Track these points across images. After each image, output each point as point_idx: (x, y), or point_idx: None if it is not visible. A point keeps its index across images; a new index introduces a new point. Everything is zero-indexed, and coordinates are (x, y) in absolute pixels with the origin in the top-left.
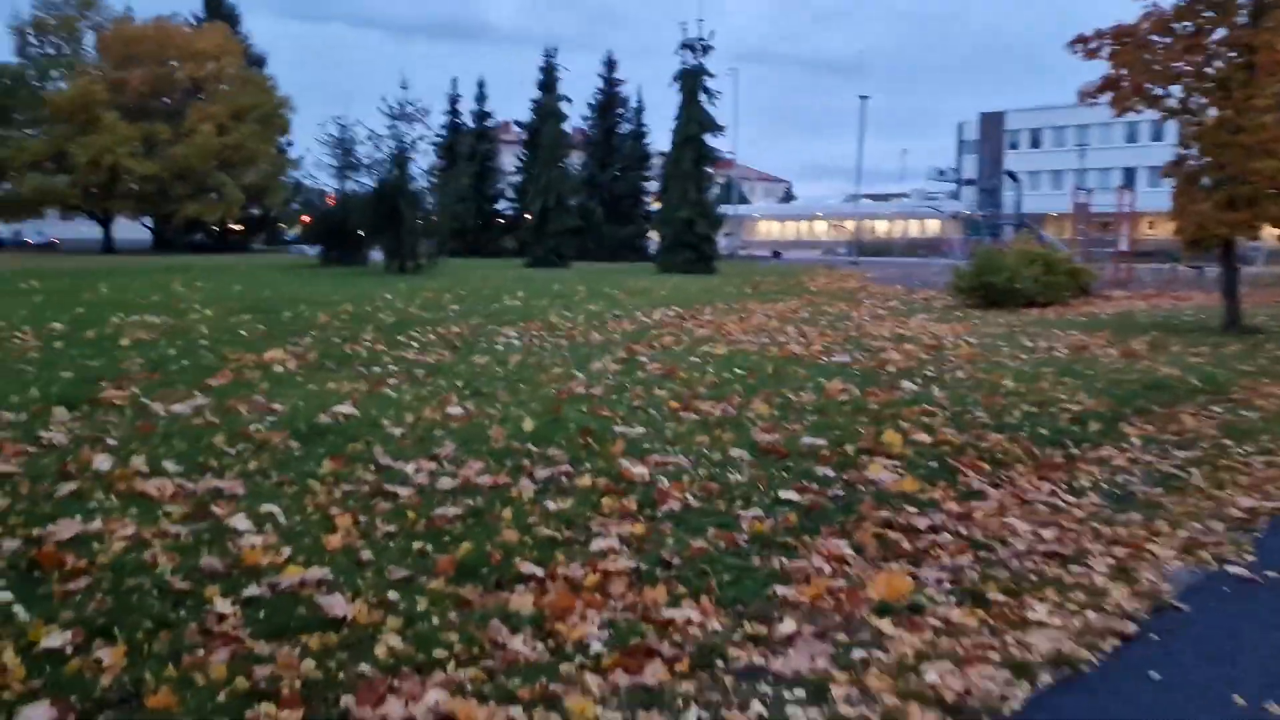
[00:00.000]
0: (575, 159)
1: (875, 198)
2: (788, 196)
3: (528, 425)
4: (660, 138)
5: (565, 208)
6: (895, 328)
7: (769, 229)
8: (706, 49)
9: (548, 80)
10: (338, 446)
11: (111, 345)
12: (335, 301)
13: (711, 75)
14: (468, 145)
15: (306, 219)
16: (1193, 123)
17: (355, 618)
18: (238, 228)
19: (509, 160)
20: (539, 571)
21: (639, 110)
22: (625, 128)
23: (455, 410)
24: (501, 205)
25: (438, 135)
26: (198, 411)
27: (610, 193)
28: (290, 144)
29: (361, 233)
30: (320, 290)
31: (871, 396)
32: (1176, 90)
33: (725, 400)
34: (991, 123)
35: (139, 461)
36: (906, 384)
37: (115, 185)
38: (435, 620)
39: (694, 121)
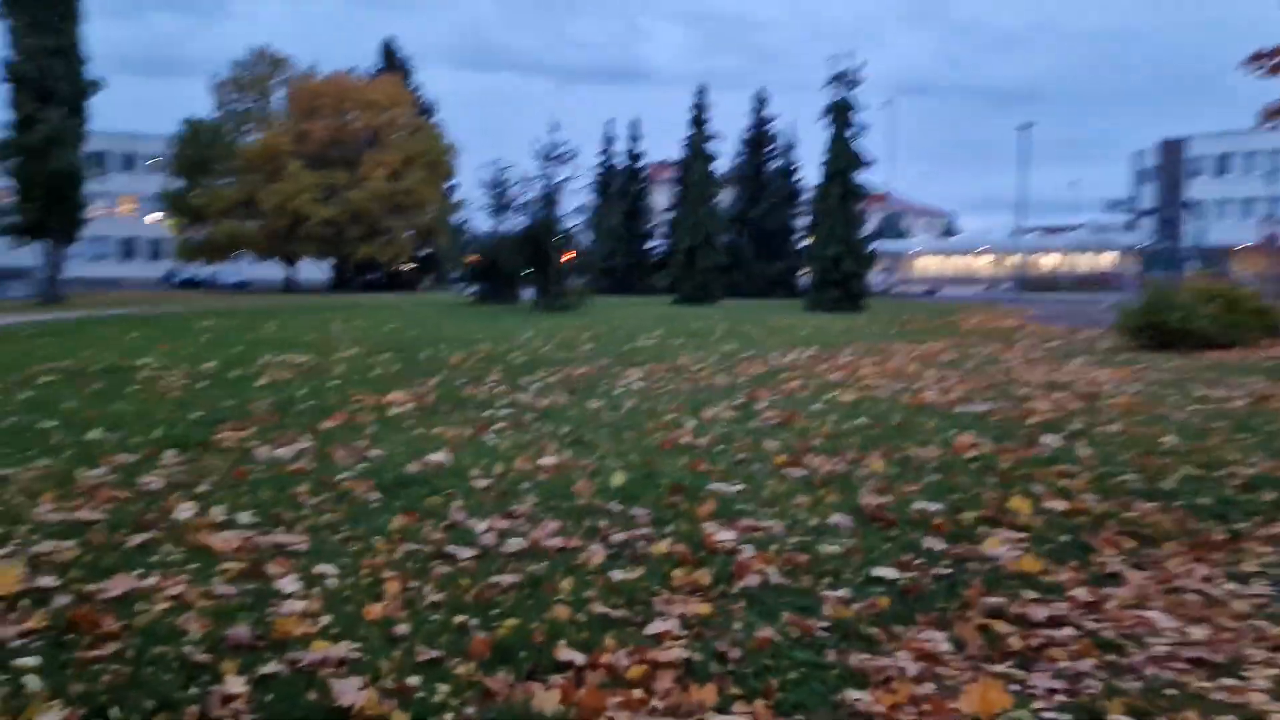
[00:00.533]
0: (726, 196)
1: (1045, 231)
2: (950, 230)
3: (617, 479)
4: (813, 173)
5: (712, 245)
6: (1049, 373)
7: (928, 264)
8: (855, 82)
9: (697, 118)
10: (417, 499)
11: (249, 385)
12: (475, 340)
13: (860, 108)
14: (619, 184)
15: (474, 258)
16: None
17: (363, 708)
18: (409, 267)
19: (665, 199)
20: (580, 658)
21: (790, 146)
22: (776, 164)
23: (548, 460)
24: (655, 243)
25: (593, 175)
26: (298, 456)
27: (760, 229)
28: (458, 187)
29: (513, 271)
30: (466, 329)
31: (1005, 454)
32: None
33: (839, 455)
34: (1171, 150)
35: (218, 511)
36: (1048, 439)
37: (297, 229)
38: (448, 717)
39: (841, 155)
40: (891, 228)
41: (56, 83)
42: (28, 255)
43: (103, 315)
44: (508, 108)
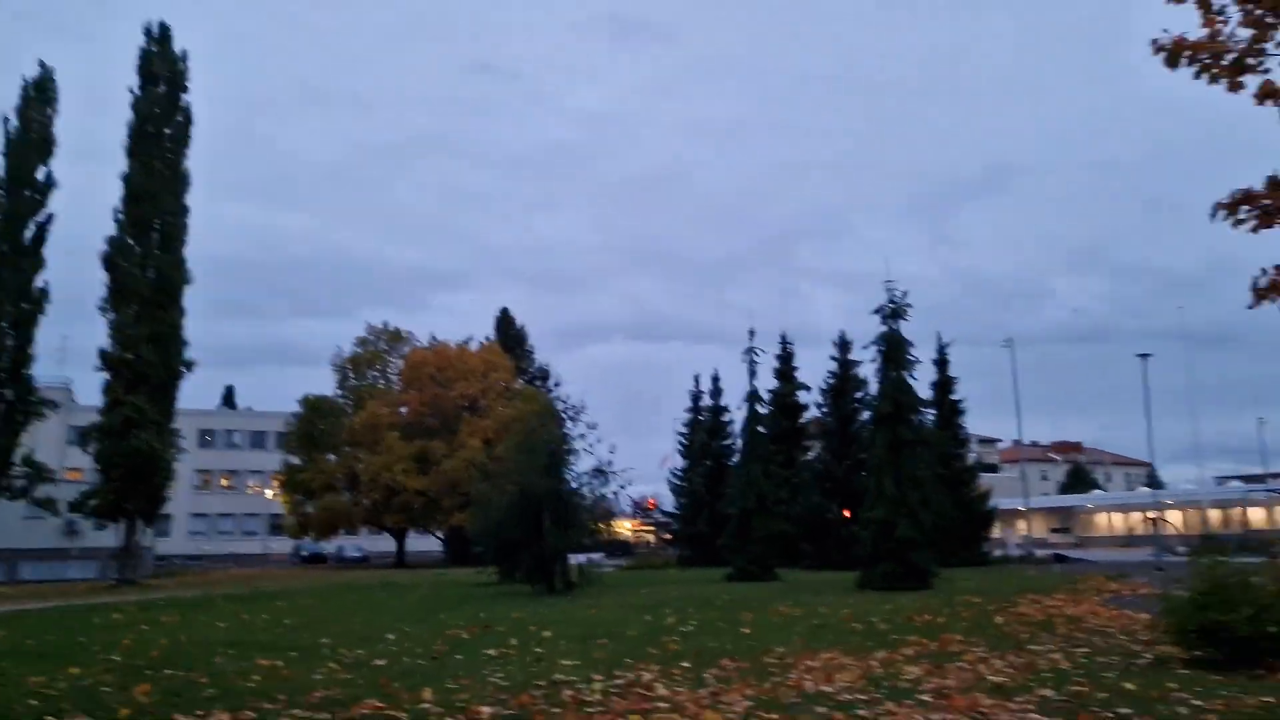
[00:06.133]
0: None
1: (1249, 479)
2: (1153, 481)
3: None
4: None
5: (768, 509)
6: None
7: (1109, 521)
8: (899, 313)
9: (784, 369)
10: None
11: None
12: (379, 635)
13: (909, 343)
14: (700, 443)
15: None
16: None
17: None
18: None
19: None
20: None
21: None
22: (867, 414)
23: None
24: None
25: (679, 434)
26: None
27: (850, 488)
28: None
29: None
30: (422, 616)
31: None
32: None
33: None
34: None
35: None
36: None
37: (391, 500)
38: None
39: (888, 397)
40: (1082, 480)
41: (148, 368)
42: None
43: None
44: (674, 374)
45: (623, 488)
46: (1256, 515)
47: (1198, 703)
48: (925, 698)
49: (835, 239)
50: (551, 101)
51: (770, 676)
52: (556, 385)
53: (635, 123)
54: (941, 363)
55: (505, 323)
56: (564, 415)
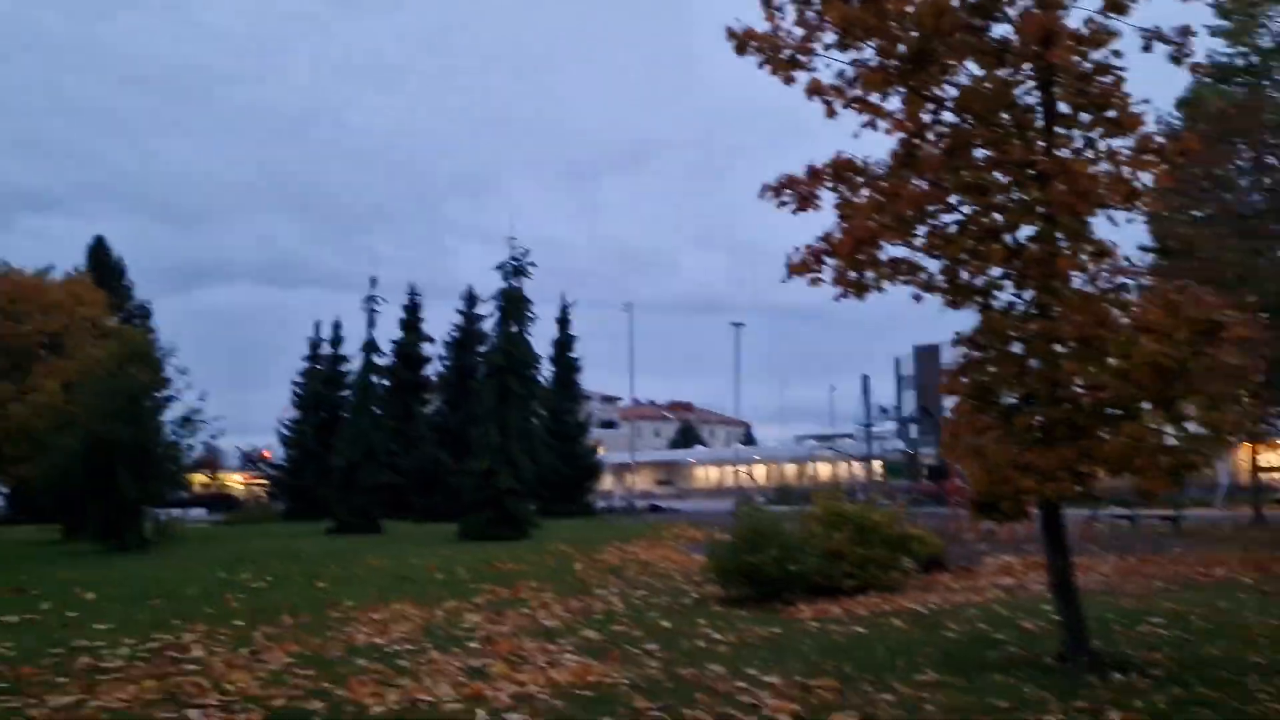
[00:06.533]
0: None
1: (820, 439)
2: (748, 439)
3: None
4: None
5: (376, 461)
6: (520, 669)
7: (707, 475)
8: (519, 270)
9: (409, 320)
10: None
11: None
12: None
13: (528, 300)
14: (312, 394)
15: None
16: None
17: None
18: None
19: None
20: None
21: None
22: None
23: None
24: None
25: (294, 384)
26: None
27: (465, 440)
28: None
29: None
30: None
31: None
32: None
33: None
34: (926, 356)
35: None
36: None
37: None
38: None
39: (500, 351)
40: (691, 438)
41: None
42: None
43: None
44: (307, 322)
45: (215, 437)
46: (824, 470)
47: (717, 636)
48: (473, 644)
49: (485, 196)
50: (184, 15)
51: (327, 631)
52: (157, 325)
53: (280, 51)
54: (563, 322)
55: (100, 253)
56: (156, 358)
